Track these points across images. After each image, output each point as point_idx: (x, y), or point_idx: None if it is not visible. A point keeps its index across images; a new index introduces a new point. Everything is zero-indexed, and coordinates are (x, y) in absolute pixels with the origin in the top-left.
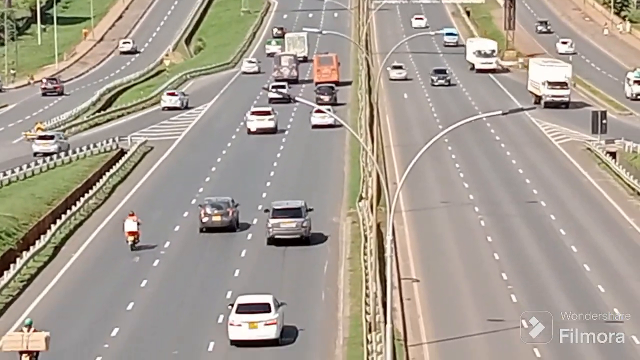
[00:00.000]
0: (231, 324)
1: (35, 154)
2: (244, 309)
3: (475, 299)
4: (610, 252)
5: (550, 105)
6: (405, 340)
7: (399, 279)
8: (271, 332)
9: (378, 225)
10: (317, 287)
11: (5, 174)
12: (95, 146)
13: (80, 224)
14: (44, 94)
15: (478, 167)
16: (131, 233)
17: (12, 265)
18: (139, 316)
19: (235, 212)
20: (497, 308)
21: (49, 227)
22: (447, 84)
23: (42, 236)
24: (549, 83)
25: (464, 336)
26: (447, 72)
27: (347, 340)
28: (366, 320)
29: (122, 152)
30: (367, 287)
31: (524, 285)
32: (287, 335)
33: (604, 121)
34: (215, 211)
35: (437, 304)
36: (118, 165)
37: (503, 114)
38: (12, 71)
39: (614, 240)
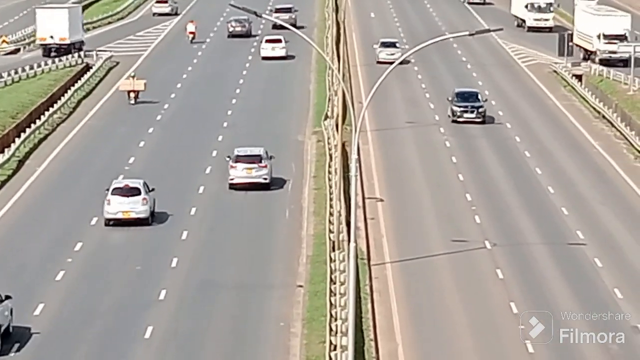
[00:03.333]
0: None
1: (154, 14)
2: (241, 159)
3: (439, 219)
4: (575, 174)
5: (606, 62)
6: (369, 259)
7: (363, 198)
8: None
9: (343, 144)
10: (281, 205)
11: None
12: (60, 60)
13: (45, 138)
14: None
15: (444, 88)
16: (191, 32)
17: None
18: (101, 232)
19: (250, 24)
20: (461, 228)
21: (13, 141)
22: (480, 118)
23: (6, 150)
24: (605, 36)
25: (428, 256)
26: (479, 97)
27: (311, 259)
28: (330, 239)
29: (88, 67)
30: (331, 206)
31: (488, 206)
32: None
33: (570, 44)
34: (238, 24)
35: (401, 224)
36: (83, 79)
37: (470, 34)
38: None
39: (579, 163)
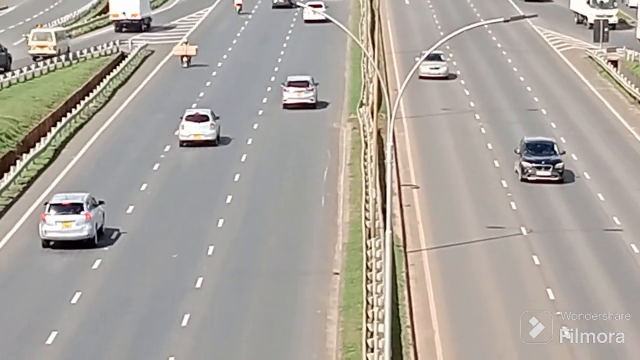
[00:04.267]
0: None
1: None
2: (292, 84)
3: (474, 206)
4: (610, 160)
5: None
6: (405, 246)
7: (399, 186)
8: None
9: (378, 132)
10: (317, 193)
11: (5, 76)
12: (95, 49)
13: (81, 127)
14: None
15: (479, 74)
16: (238, 4)
17: (12, 168)
18: (139, 220)
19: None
20: (497, 215)
21: (49, 130)
22: (557, 176)
23: (42, 139)
24: None
25: (463, 243)
26: (555, 149)
27: (347, 246)
28: (366, 226)
29: (123, 56)
30: (367, 193)
31: (523, 192)
32: None
33: (606, 29)
34: None
35: (436, 211)
36: (119, 68)
37: (505, 21)
38: None
39: (614, 148)
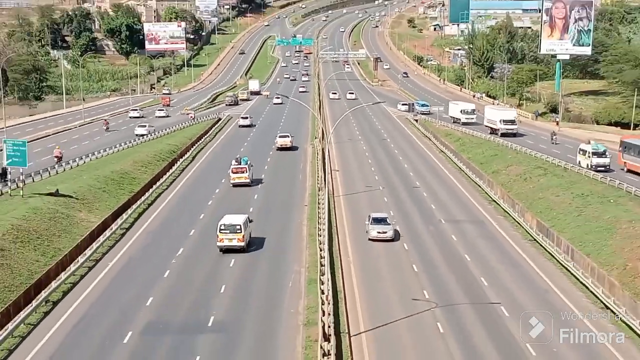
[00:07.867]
0: None
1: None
2: None
3: (367, 174)
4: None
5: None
6: (333, 193)
7: (330, 168)
8: None
9: (322, 149)
10: (298, 171)
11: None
12: (208, 117)
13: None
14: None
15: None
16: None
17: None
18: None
19: None
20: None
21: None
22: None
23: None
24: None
25: (364, 191)
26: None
27: (310, 194)
28: (317, 186)
29: (218, 120)
30: (317, 171)
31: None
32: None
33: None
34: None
35: (348, 177)
36: (217, 125)
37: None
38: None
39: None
